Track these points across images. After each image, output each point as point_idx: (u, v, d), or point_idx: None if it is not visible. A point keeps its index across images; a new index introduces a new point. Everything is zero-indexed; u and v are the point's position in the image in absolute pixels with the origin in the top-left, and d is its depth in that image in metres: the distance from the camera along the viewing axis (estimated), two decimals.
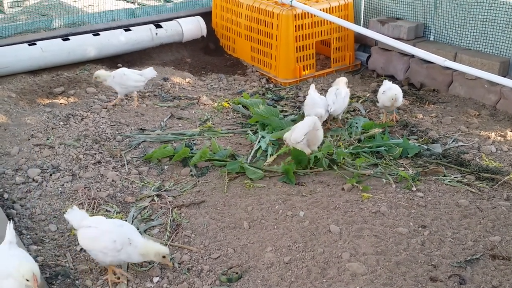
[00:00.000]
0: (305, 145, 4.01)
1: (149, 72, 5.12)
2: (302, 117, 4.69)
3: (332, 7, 5.91)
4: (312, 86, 4.76)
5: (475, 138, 4.57)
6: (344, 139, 4.47)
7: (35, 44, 5.65)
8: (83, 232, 2.92)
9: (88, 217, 3.00)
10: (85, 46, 5.84)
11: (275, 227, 3.37)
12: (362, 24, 6.33)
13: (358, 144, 4.35)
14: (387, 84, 4.75)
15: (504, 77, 4.91)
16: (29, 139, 4.41)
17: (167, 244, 3.21)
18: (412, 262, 3.05)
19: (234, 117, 5.01)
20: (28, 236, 3.31)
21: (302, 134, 3.97)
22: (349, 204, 3.60)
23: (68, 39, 5.81)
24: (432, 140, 4.53)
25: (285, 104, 5.29)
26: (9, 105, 4.97)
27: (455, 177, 3.95)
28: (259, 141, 4.38)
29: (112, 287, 2.91)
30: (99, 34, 5.97)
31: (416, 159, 4.21)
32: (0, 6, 9.08)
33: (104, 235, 2.83)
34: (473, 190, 3.78)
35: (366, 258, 3.07)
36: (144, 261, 2.98)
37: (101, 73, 5.08)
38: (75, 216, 2.96)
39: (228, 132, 4.65)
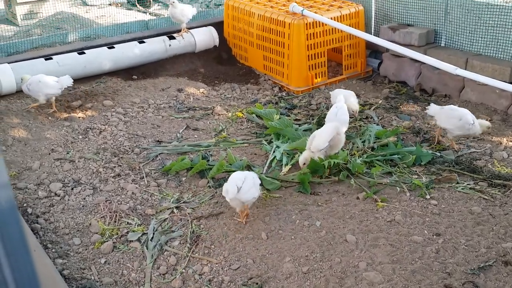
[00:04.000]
0: (323, 152, 4.05)
1: (66, 79, 5.24)
2: (316, 126, 4.78)
3: (343, 15, 5.98)
4: (341, 98, 4.70)
5: (487, 144, 4.61)
6: (357, 147, 4.54)
7: (51, 58, 5.79)
8: None
9: None
10: (100, 59, 5.97)
11: (293, 237, 3.45)
12: (373, 31, 6.39)
13: (372, 152, 4.42)
14: (462, 111, 4.44)
15: None
16: (49, 154, 4.54)
17: (188, 256, 3.31)
18: (427, 270, 3.11)
19: (248, 127, 5.11)
20: (53, 250, 3.42)
21: (325, 141, 3.99)
22: (364, 213, 3.67)
23: (84, 53, 5.94)
24: (443, 147, 4.58)
25: (298, 112, 5.37)
26: (28, 120, 5.11)
27: (468, 184, 4.00)
28: (274, 151, 4.47)
29: None
30: (114, 47, 6.10)
31: (429, 167, 4.27)
32: (14, 18, 9.29)
33: None
34: (485, 197, 3.83)
35: (383, 267, 3.14)
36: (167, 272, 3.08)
37: (25, 76, 5.23)
38: None
39: (243, 142, 4.74)
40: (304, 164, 4.05)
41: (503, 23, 5.17)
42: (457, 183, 4.03)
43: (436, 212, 3.67)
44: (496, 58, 5.30)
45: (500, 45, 5.26)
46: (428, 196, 3.85)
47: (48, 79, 5.16)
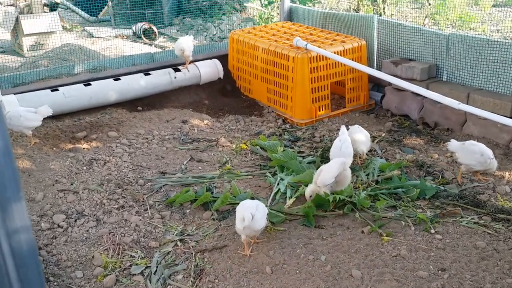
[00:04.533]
0: (329, 188, 4.06)
1: (45, 109, 5.21)
2: (320, 159, 4.80)
3: (346, 49, 6.08)
4: (345, 131, 4.72)
5: (490, 178, 4.62)
6: (361, 180, 4.54)
7: (57, 89, 5.86)
8: None
9: None
10: (106, 90, 6.04)
11: (297, 271, 3.43)
12: (375, 65, 6.48)
13: (376, 186, 4.42)
14: (482, 146, 4.47)
15: None
16: (53, 185, 4.55)
17: None
18: None
19: (252, 158, 5.13)
20: (55, 283, 3.39)
21: (332, 177, 4.00)
22: (370, 248, 3.65)
23: (90, 84, 6.01)
24: (447, 181, 4.59)
25: (302, 144, 5.40)
26: (32, 150, 5.14)
27: (472, 218, 3.99)
28: (278, 184, 4.48)
29: None
30: (120, 79, 6.18)
31: (433, 200, 4.27)
32: (20, 49, 9.46)
33: None
34: (489, 232, 3.82)
35: None
36: None
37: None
38: None
39: (247, 175, 4.76)
40: (311, 197, 4.05)
41: (503, 58, 5.25)
42: (461, 217, 4.02)
43: (441, 247, 3.65)
44: (497, 93, 5.37)
45: (501, 80, 5.33)
46: (433, 231, 3.84)
47: (27, 113, 5.09)
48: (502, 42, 5.28)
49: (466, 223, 3.94)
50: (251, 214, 3.42)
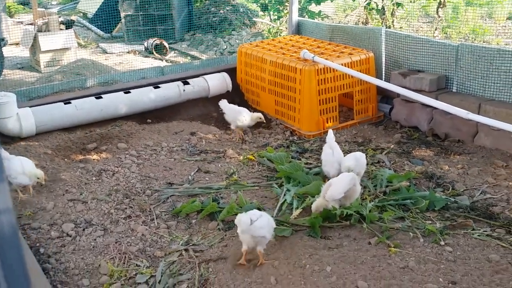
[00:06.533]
0: (338, 202, 4.01)
1: (33, 174, 4.46)
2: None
3: (354, 61, 6.08)
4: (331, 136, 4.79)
5: (503, 190, 4.53)
6: (369, 191, 4.49)
7: (70, 102, 5.95)
8: None
9: None
10: (117, 103, 6.10)
11: (303, 282, 3.38)
12: (383, 77, 6.46)
13: (384, 197, 4.37)
14: None
15: None
16: (63, 194, 4.58)
17: None
18: None
19: (259, 170, 5.11)
20: None
21: (341, 192, 3.95)
22: (377, 259, 3.58)
23: (101, 97, 6.09)
24: (458, 192, 4.51)
25: (309, 156, 5.38)
26: (45, 161, 5.19)
27: (484, 231, 3.91)
28: (284, 194, 4.45)
29: None
30: (130, 92, 6.24)
31: (443, 212, 4.19)
32: (37, 65, 9.66)
33: None
34: (503, 245, 3.72)
35: None
36: None
37: None
38: None
39: (254, 186, 4.74)
40: (316, 210, 4.02)
41: None
42: (473, 229, 3.93)
43: (452, 259, 3.57)
44: (510, 103, 5.29)
45: None
46: (442, 243, 3.76)
47: (16, 174, 4.40)
48: None
49: (478, 235, 3.85)
50: (251, 219, 3.39)
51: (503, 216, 4.09)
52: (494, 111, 5.20)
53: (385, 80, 6.18)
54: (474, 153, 5.32)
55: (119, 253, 3.75)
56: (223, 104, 5.88)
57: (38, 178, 4.50)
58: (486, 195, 4.46)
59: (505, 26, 10.32)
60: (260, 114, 5.82)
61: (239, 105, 6.80)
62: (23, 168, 4.44)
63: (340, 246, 3.76)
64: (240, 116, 5.74)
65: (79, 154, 5.45)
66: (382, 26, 7.30)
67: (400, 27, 8.16)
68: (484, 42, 8.99)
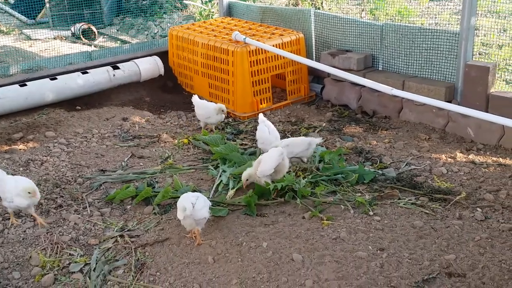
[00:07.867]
0: (269, 177, 4.11)
1: None
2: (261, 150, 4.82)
3: (285, 42, 6.15)
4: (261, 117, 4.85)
5: (426, 161, 4.79)
6: (302, 168, 4.61)
7: None
8: None
9: None
10: (42, 90, 5.85)
11: (240, 259, 3.43)
12: (314, 57, 6.60)
13: (317, 173, 4.50)
14: None
15: (450, 101, 5.23)
16: None
17: (132, 285, 3.23)
18: (372, 284, 3.16)
19: (195, 153, 5.10)
20: None
21: (271, 168, 4.06)
22: (310, 232, 3.71)
23: (26, 85, 5.81)
24: (385, 165, 4.73)
25: (244, 137, 5.42)
26: None
27: (409, 200, 4.13)
28: (220, 176, 4.48)
29: None
30: (56, 78, 5.99)
31: (372, 184, 4.38)
32: None
33: None
34: (427, 211, 3.96)
35: (329, 284, 3.16)
36: None
37: None
38: None
39: (190, 168, 4.73)
40: (247, 180, 4.12)
41: (435, 45, 5.45)
42: (399, 199, 4.15)
43: (380, 228, 3.75)
44: (431, 79, 5.57)
45: (434, 66, 5.53)
46: (371, 213, 3.94)
47: None
48: (434, 29, 5.48)
49: (404, 204, 4.07)
50: (192, 203, 3.41)
51: (426, 185, 4.34)
52: (416, 87, 5.46)
53: (315, 60, 6.31)
54: (400, 128, 5.58)
55: (51, 244, 3.64)
56: (195, 99, 5.49)
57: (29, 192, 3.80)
58: (410, 167, 4.70)
59: (428, 7, 10.77)
60: (221, 105, 5.43)
61: (172, 89, 6.74)
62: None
63: (276, 222, 3.85)
64: (212, 115, 5.37)
65: (4, 144, 5.19)
66: (312, 7, 7.41)
67: (329, 9, 8.32)
68: (409, 23, 9.35)
